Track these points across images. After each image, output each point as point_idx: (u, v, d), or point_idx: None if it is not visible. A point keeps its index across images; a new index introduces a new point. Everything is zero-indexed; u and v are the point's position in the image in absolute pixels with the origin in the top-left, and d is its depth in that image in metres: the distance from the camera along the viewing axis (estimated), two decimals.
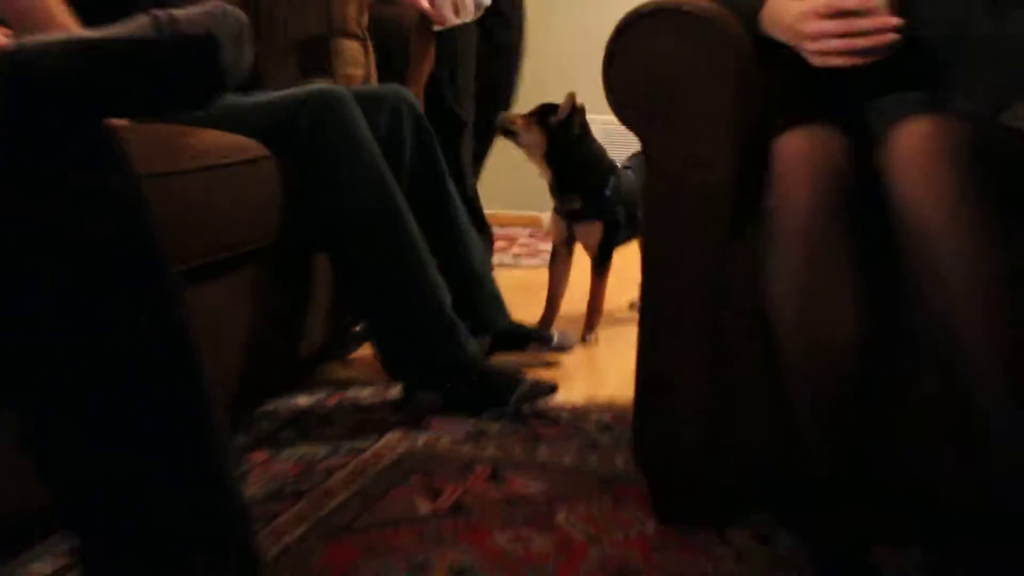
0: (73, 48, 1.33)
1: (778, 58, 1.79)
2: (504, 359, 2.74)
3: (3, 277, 1.20)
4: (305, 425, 2.36)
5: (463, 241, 2.62)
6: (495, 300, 2.69)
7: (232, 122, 2.31)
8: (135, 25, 1.34)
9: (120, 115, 1.65)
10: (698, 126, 1.71)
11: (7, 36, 1.28)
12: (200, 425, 1.33)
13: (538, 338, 2.81)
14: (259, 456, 2.16)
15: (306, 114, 2.30)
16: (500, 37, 3.67)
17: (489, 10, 3.43)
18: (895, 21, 1.60)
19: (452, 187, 2.64)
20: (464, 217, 2.65)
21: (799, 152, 1.57)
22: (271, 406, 2.48)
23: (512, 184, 4.44)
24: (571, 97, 3.02)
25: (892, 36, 1.61)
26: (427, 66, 3.06)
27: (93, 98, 1.34)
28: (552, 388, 2.45)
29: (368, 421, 2.39)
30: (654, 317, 1.79)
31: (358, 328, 2.83)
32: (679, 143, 1.72)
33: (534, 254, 4.00)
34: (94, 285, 1.25)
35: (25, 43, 1.33)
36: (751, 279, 1.62)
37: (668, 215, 1.75)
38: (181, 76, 1.36)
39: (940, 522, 1.76)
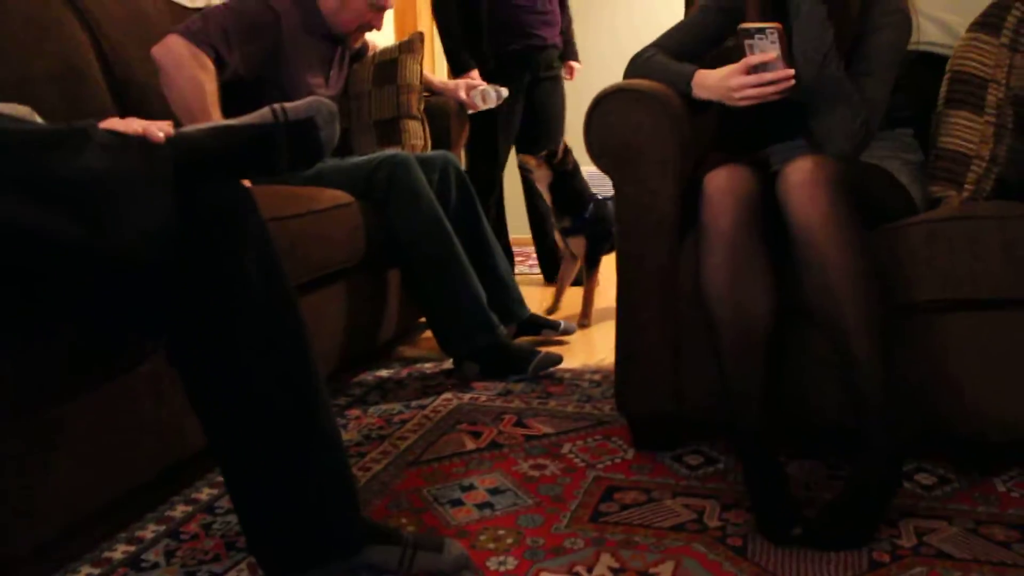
0: (218, 132, 1.42)
1: (705, 116, 1.86)
2: (525, 340, 2.81)
3: (180, 288, 1.28)
4: (385, 390, 2.43)
5: (494, 257, 2.68)
6: (518, 299, 2.75)
7: (331, 179, 2.42)
8: (258, 114, 1.43)
9: (251, 177, 1.72)
10: (652, 168, 1.79)
11: (167, 126, 1.36)
12: (314, 384, 1.40)
13: (548, 325, 2.87)
14: (353, 412, 2.24)
15: (382, 171, 2.43)
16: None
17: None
18: (790, 72, 1.68)
19: (485, 222, 2.70)
20: (495, 242, 2.71)
21: (722, 184, 1.65)
22: (361, 377, 2.55)
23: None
24: (564, 143, 3.23)
25: (788, 83, 1.70)
26: (463, 138, 3.15)
27: (232, 166, 1.42)
28: (558, 359, 2.53)
29: (429, 386, 2.47)
30: (627, 304, 1.86)
31: (421, 319, 2.91)
32: (639, 180, 1.81)
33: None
34: (240, 297, 1.34)
35: (184, 131, 1.42)
36: (695, 276, 1.68)
37: (634, 230, 1.83)
38: (291, 148, 1.44)
39: (828, 438, 1.83)
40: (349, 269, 2.31)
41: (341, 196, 2.32)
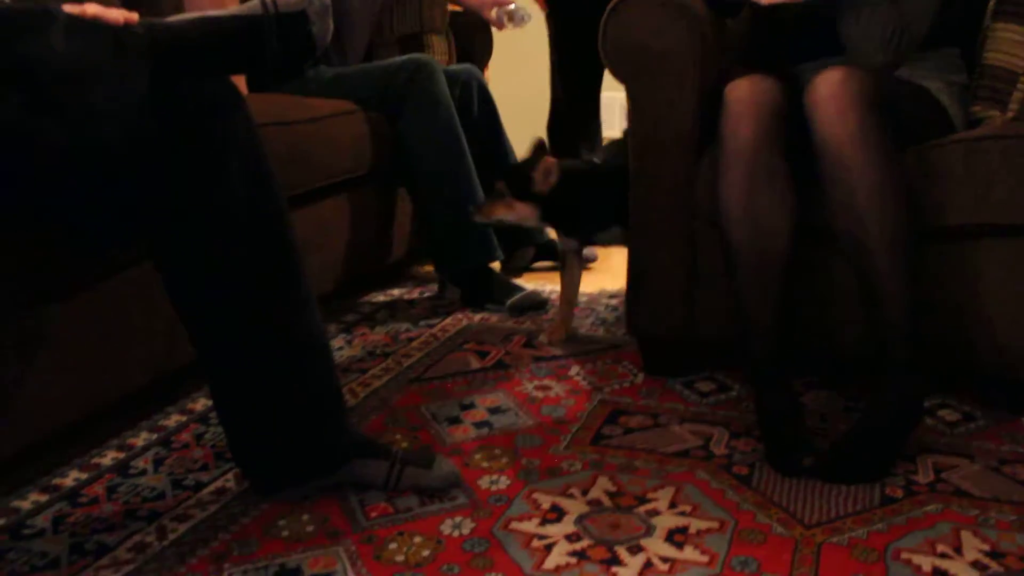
0: (202, 23, 1.35)
1: (733, 31, 1.77)
2: (543, 265, 2.73)
3: (160, 190, 1.23)
4: (395, 308, 2.39)
5: None
6: None
7: (350, 84, 2.34)
8: (247, 5, 1.36)
9: (237, 73, 1.65)
10: (671, 78, 1.71)
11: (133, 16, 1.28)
12: (300, 294, 1.35)
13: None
14: (360, 329, 2.21)
15: (403, 73, 2.33)
16: None
17: None
18: None
19: (507, 141, 2.61)
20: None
21: (744, 94, 1.57)
22: (371, 296, 2.50)
23: None
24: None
25: None
26: (488, 55, 3.03)
27: (217, 60, 1.36)
28: (543, 303, 2.36)
29: (440, 306, 2.42)
30: (641, 223, 1.79)
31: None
32: (657, 90, 1.72)
33: None
34: (224, 198, 1.28)
35: (166, 19, 1.36)
36: (712, 193, 1.61)
37: (650, 145, 1.75)
38: (281, 42, 1.37)
39: (848, 370, 1.77)
40: (355, 181, 2.24)
41: (345, 105, 2.24)
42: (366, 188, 2.31)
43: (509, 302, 2.32)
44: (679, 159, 1.72)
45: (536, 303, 2.33)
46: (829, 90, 1.49)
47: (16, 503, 1.43)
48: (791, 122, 1.55)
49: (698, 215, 1.72)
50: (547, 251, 2.72)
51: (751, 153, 1.54)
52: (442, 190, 2.34)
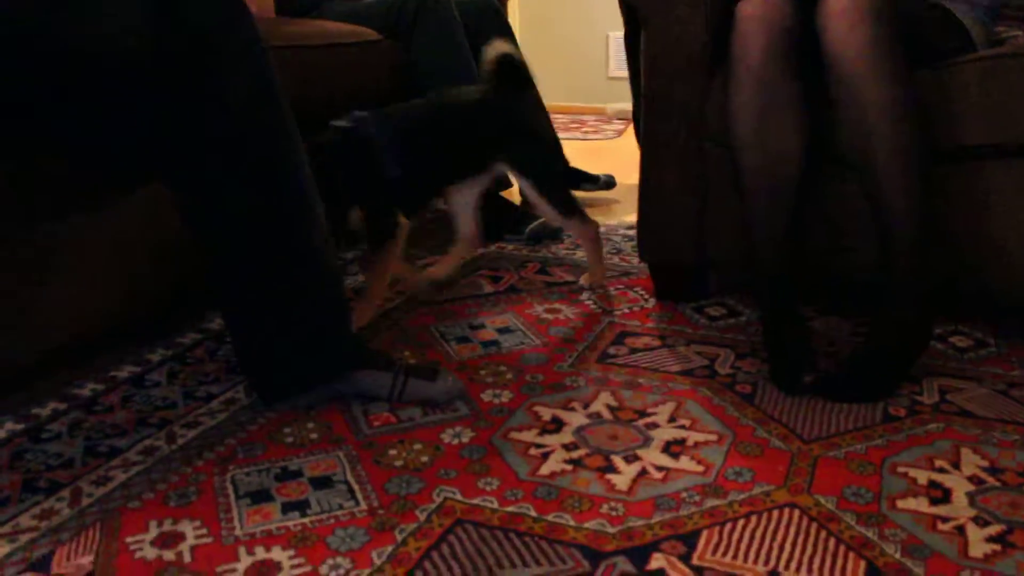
0: None
1: None
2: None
3: (164, 98, 1.24)
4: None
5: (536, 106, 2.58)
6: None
7: (366, 16, 2.33)
8: None
9: None
10: None
11: None
12: (302, 207, 1.37)
13: (587, 178, 2.76)
14: None
15: (412, 2, 2.30)
16: None
17: None
18: None
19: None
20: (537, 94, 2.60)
21: (756, 11, 1.55)
22: None
23: (582, 82, 4.40)
24: None
25: None
26: None
27: None
28: (558, 232, 2.34)
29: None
30: (651, 145, 1.78)
31: None
32: (669, 10, 1.70)
33: (598, 131, 3.96)
34: (227, 109, 1.29)
35: None
36: (723, 116, 1.60)
37: (662, 64, 1.73)
38: None
39: (858, 296, 1.75)
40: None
41: (363, 32, 2.25)
42: None
43: (527, 230, 2.32)
44: (690, 81, 1.70)
45: (553, 230, 2.33)
46: (841, 4, 1.47)
47: (35, 410, 1.47)
48: (804, 42, 1.53)
49: (709, 138, 1.71)
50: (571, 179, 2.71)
51: (761, 73, 1.53)
52: None
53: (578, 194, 2.60)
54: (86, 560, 1.10)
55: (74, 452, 1.35)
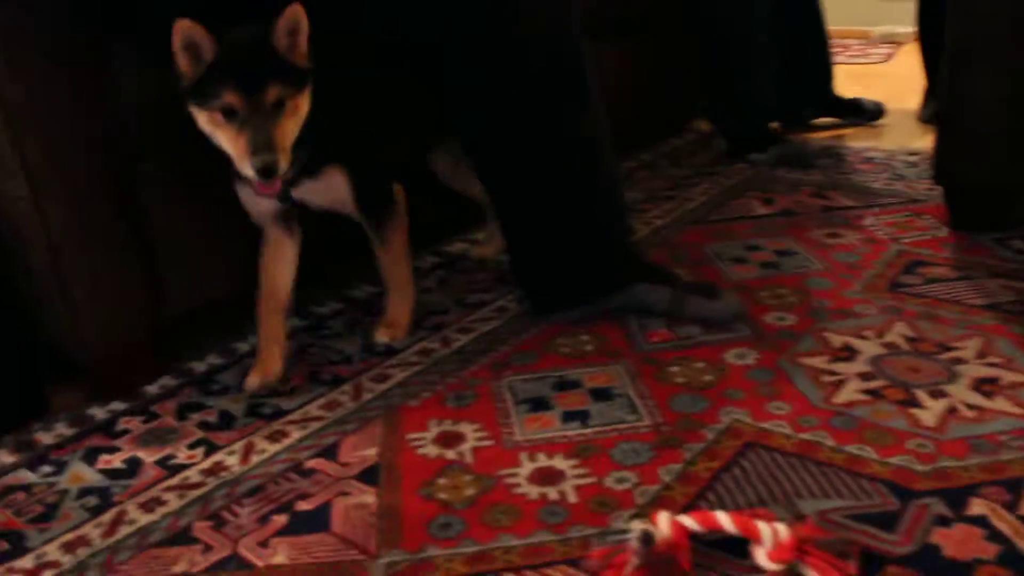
0: None
1: None
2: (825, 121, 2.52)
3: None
4: (676, 156, 2.31)
5: (820, 27, 2.41)
6: (827, 75, 2.48)
7: None
8: None
9: None
10: None
11: None
12: (596, 140, 1.32)
13: (853, 109, 2.52)
14: (643, 174, 2.15)
15: None
16: None
17: None
18: None
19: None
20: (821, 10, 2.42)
21: None
22: (653, 146, 2.41)
23: (844, 2, 4.08)
24: None
25: None
26: None
27: None
28: (809, 157, 2.16)
29: (723, 153, 2.28)
30: (962, 52, 1.58)
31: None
32: None
33: (864, 55, 3.68)
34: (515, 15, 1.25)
35: None
36: None
37: None
38: None
39: None
40: (634, 25, 2.14)
41: None
42: (644, 34, 2.20)
43: (774, 152, 2.17)
44: None
45: (801, 155, 2.16)
46: None
47: (317, 309, 1.51)
48: None
49: None
50: (832, 107, 2.53)
51: None
52: (735, 51, 2.19)
53: (837, 123, 2.42)
54: (371, 452, 1.10)
55: (352, 349, 1.37)
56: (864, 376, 1.20)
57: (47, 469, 1.14)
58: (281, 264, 1.32)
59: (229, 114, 1.09)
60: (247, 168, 1.09)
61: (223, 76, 1.08)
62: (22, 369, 1.29)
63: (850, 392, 1.16)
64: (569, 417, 1.14)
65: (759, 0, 2.17)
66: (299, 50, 1.13)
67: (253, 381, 1.28)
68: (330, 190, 1.27)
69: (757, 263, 1.58)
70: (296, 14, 1.10)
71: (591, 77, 1.31)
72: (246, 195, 1.25)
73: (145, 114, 1.24)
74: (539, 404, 1.18)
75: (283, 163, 1.10)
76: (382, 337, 1.37)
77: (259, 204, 1.26)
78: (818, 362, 1.24)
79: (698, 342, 1.31)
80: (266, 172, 1.08)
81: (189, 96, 1.11)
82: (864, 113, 2.49)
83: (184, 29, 1.06)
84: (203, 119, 1.11)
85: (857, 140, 2.37)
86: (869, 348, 1.27)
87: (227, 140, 1.10)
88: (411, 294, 1.40)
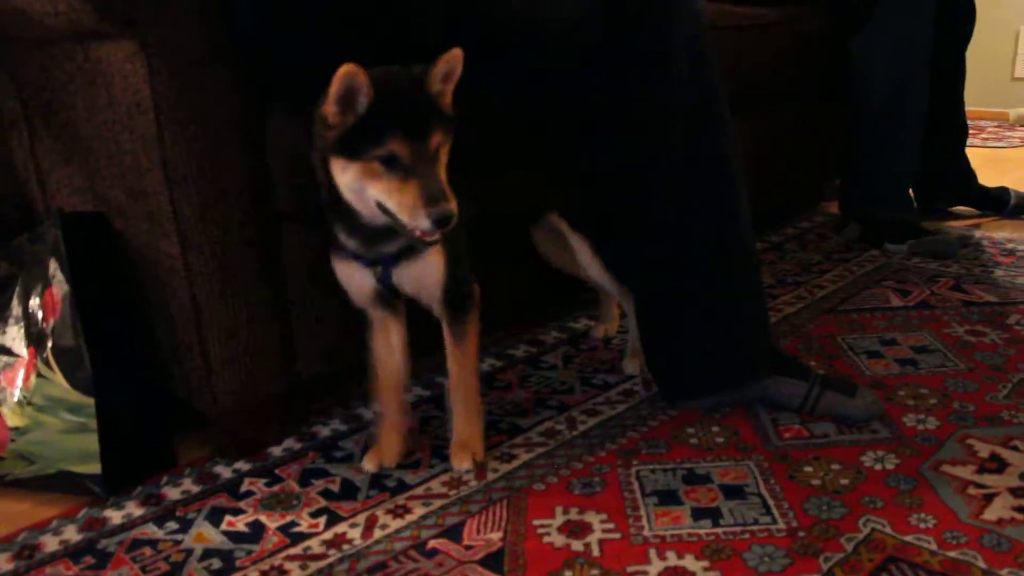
0: None
1: None
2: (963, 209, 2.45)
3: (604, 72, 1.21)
4: (804, 240, 2.26)
5: (960, 114, 2.35)
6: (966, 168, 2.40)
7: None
8: None
9: None
10: None
11: None
12: (740, 226, 1.29)
13: (994, 202, 2.43)
14: (771, 256, 2.11)
15: None
16: None
17: None
18: None
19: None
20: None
21: None
22: (780, 231, 2.36)
23: (981, 83, 3.98)
24: None
25: None
26: None
27: None
28: (950, 248, 2.07)
29: (854, 239, 2.23)
30: None
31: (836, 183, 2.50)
32: None
33: (1000, 139, 3.56)
34: (666, 84, 1.23)
35: None
36: None
37: None
38: None
39: None
40: (773, 98, 2.11)
41: (784, 11, 2.11)
42: (775, 111, 2.17)
43: (911, 244, 2.10)
44: None
45: (941, 249, 2.07)
46: None
47: (440, 379, 1.50)
48: None
49: None
50: (970, 197, 2.44)
51: None
52: (883, 126, 2.13)
53: (974, 215, 2.33)
54: (495, 536, 1.08)
55: None
56: (1016, 491, 1.13)
57: (173, 526, 1.15)
58: (390, 346, 1.26)
59: (391, 163, 1.01)
60: (422, 219, 1.00)
61: (386, 123, 1.01)
62: (154, 421, 1.31)
63: (1001, 508, 1.09)
64: (700, 514, 1.10)
65: (920, 77, 2.10)
66: (448, 97, 1.07)
67: (369, 463, 1.26)
68: (425, 274, 1.17)
69: (893, 359, 1.51)
70: (455, 59, 1.04)
71: (739, 160, 1.28)
72: (345, 274, 1.18)
73: (293, 175, 1.26)
74: (668, 497, 1.14)
75: (456, 212, 1.01)
76: (463, 464, 1.24)
77: (360, 284, 1.19)
78: (964, 472, 1.17)
79: (833, 441, 1.25)
80: (443, 222, 1.00)
81: (335, 149, 1.04)
82: (1006, 205, 2.39)
83: (347, 76, 0.99)
84: (353, 172, 1.03)
85: (996, 230, 2.29)
86: (1020, 460, 1.19)
87: (388, 192, 1.02)
88: (479, 406, 1.26)
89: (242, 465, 1.29)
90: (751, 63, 1.98)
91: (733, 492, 1.14)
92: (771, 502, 1.12)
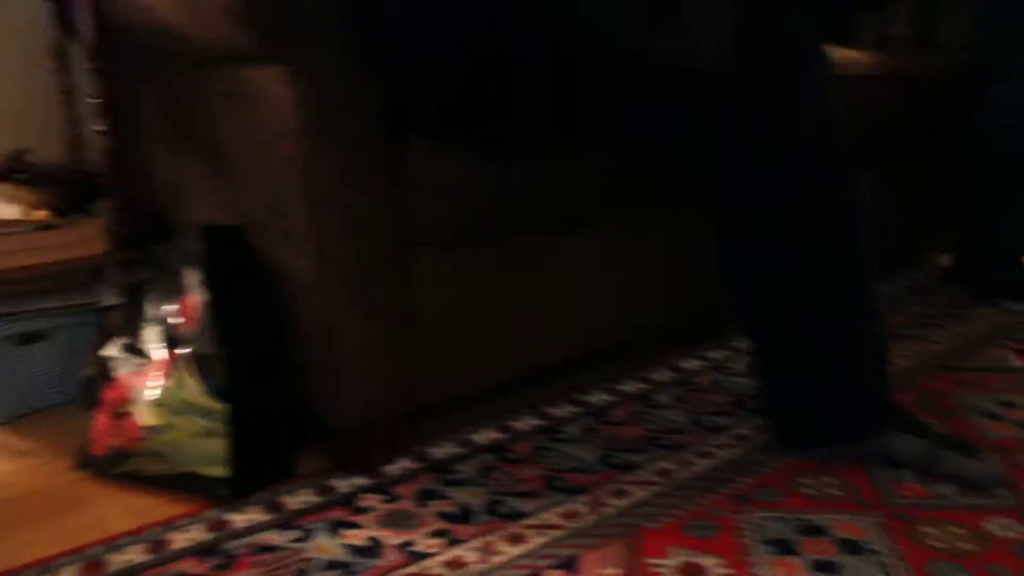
0: None
1: None
2: None
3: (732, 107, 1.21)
4: (918, 292, 2.22)
5: None
6: None
7: None
8: None
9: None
10: None
11: None
12: (867, 276, 1.28)
13: None
14: None
15: None
16: None
17: None
18: None
19: None
20: None
21: None
22: (892, 281, 2.31)
23: None
24: None
25: None
26: None
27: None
28: None
29: (967, 294, 2.19)
30: None
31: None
32: None
33: None
34: (791, 150, 1.23)
35: None
36: None
37: None
38: None
39: None
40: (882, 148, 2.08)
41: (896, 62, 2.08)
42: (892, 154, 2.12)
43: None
44: None
45: None
46: None
47: (550, 410, 1.52)
48: None
49: None
50: None
51: None
52: (1003, 181, 2.08)
53: None
54: (611, 572, 1.09)
55: (590, 458, 1.37)
56: None
57: (294, 534, 1.18)
58: None
59: None
60: None
61: None
62: (278, 431, 1.36)
63: None
64: (818, 567, 1.09)
65: None
66: None
67: None
68: None
69: (1013, 422, 1.48)
70: None
71: (865, 218, 1.28)
72: None
73: (428, 202, 1.29)
74: (785, 547, 1.13)
75: None
76: None
77: None
78: None
79: (954, 504, 1.23)
80: None
81: None
82: None
83: None
84: None
85: None
86: None
87: None
88: None
89: (358, 480, 1.32)
90: (874, 113, 1.95)
91: (852, 547, 1.13)
92: (889, 561, 1.10)
